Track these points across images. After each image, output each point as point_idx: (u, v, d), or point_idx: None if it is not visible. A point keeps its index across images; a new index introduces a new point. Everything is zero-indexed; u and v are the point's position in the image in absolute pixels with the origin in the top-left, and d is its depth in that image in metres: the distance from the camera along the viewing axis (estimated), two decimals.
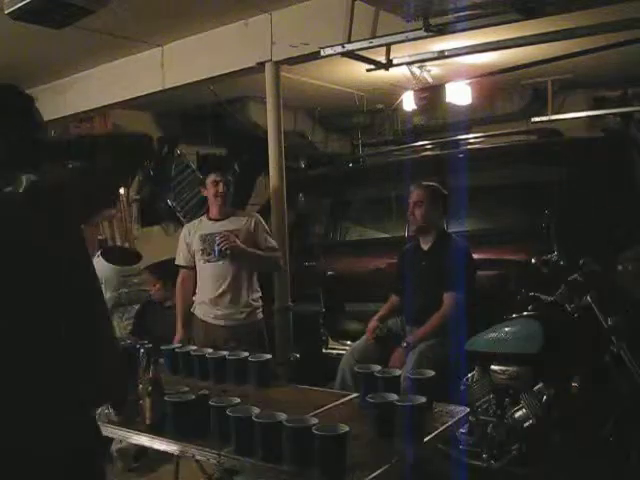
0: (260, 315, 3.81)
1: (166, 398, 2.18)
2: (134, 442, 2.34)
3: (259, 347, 3.43)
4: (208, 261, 3.71)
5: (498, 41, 3.81)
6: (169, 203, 7.56)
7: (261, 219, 3.86)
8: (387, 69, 4.27)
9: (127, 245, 6.75)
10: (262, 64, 4.44)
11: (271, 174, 4.44)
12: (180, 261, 3.90)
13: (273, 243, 3.85)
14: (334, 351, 4.94)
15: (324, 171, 6.74)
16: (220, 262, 3.67)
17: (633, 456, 2.86)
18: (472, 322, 3.37)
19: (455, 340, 3.37)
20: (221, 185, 3.74)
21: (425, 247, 3.73)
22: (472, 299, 3.49)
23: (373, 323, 3.77)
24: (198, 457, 2.10)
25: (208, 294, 3.73)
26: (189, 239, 3.83)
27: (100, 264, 5.58)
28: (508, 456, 3.10)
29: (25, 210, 1.54)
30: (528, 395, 3.09)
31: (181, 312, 3.88)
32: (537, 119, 6.34)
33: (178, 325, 3.85)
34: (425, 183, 3.77)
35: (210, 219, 3.83)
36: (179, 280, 3.93)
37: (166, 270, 4.63)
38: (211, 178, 3.77)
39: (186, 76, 5.05)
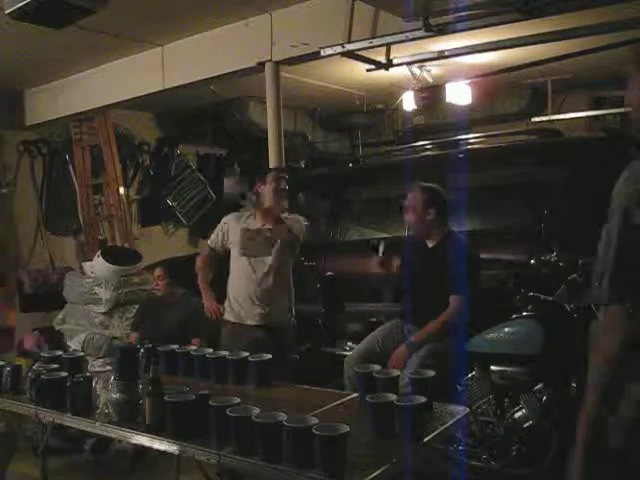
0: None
1: (166, 398, 2.18)
2: (134, 442, 2.34)
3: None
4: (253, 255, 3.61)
5: (498, 41, 3.82)
6: (169, 203, 7.55)
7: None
8: (387, 69, 4.27)
9: (127, 245, 6.74)
10: (262, 64, 4.44)
11: None
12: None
13: None
14: (334, 351, 4.94)
15: (324, 171, 6.74)
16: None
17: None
18: (473, 322, 3.37)
19: (456, 341, 3.36)
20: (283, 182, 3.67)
21: (430, 245, 3.61)
22: (478, 298, 3.39)
23: None
24: (198, 457, 2.09)
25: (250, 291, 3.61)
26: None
27: (100, 264, 5.60)
28: (508, 456, 3.11)
29: None
30: (528, 395, 3.09)
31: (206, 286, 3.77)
32: (537, 119, 6.35)
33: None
34: (423, 185, 3.60)
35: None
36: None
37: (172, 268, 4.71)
38: (274, 174, 3.68)
39: (186, 76, 5.04)
